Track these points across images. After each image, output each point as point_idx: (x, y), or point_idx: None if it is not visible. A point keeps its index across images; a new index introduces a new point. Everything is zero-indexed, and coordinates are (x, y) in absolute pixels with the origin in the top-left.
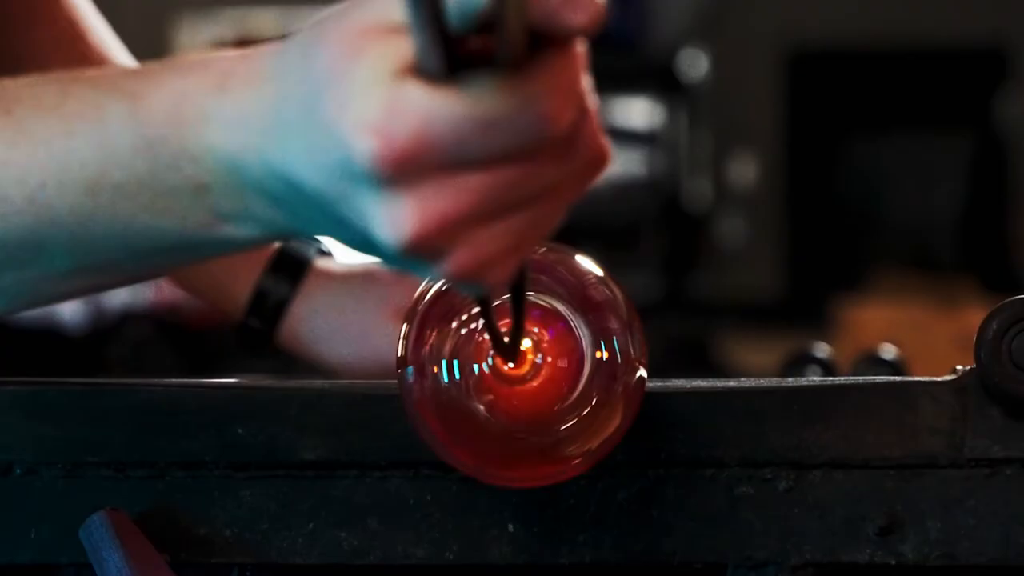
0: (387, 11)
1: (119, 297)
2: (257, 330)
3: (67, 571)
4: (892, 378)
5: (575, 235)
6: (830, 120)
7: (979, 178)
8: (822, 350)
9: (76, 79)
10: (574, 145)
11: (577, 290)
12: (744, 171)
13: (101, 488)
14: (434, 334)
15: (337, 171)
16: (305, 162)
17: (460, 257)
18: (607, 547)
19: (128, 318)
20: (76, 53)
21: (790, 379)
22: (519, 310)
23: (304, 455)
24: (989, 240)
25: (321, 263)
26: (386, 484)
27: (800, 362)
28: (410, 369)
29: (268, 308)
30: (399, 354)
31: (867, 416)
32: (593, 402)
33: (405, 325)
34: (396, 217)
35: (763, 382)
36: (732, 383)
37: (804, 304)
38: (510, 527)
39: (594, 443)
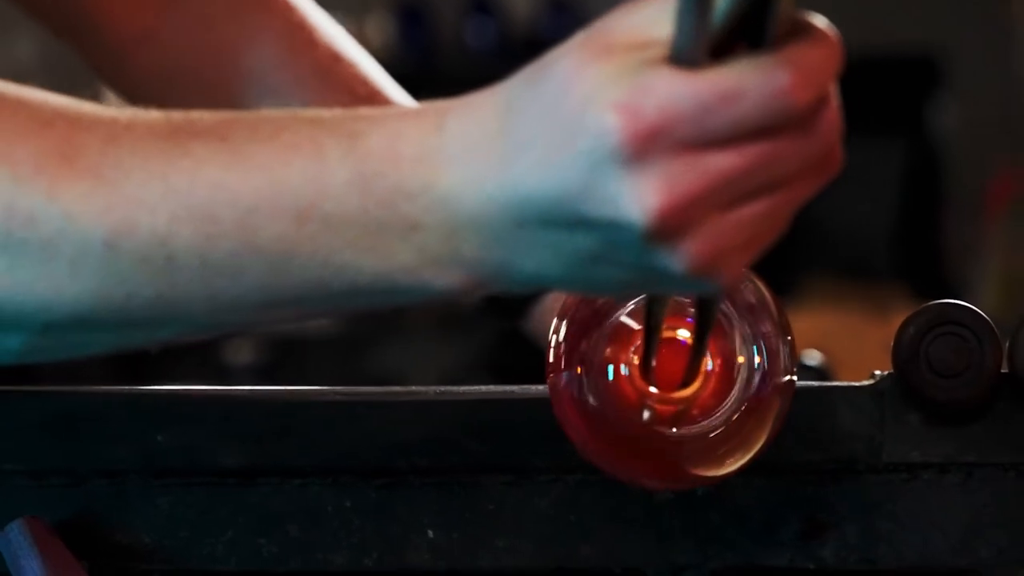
0: (622, 31)
1: None
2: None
3: None
4: (811, 383)
5: None
6: None
7: (912, 186)
8: None
9: (293, 117)
10: (812, 131)
11: (732, 293)
12: None
13: (19, 496)
14: (585, 339)
15: (580, 162)
16: (540, 171)
17: (700, 244)
18: (527, 553)
19: None
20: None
21: None
22: (706, 324)
23: (224, 462)
24: (921, 248)
25: None
26: (306, 491)
27: None
28: (565, 374)
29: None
30: (549, 359)
31: (786, 421)
32: (744, 408)
33: (553, 330)
34: (643, 193)
35: None
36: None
37: None
38: (430, 533)
39: (749, 449)
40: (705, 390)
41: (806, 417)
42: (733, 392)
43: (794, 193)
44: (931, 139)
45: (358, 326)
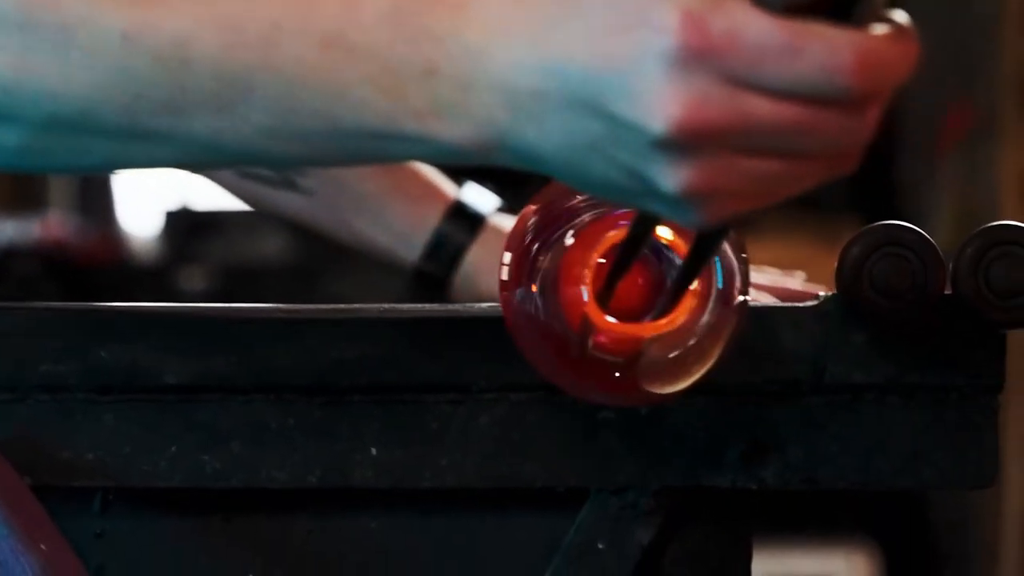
0: None
1: (3, 233)
2: (432, 276)
3: None
4: (754, 303)
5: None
6: None
7: None
8: None
9: None
10: (852, 120)
11: None
12: None
13: None
14: (541, 256)
15: (625, 51)
16: (581, 46)
17: (701, 173)
18: (470, 471)
19: (13, 254)
20: None
21: None
22: (701, 261)
23: (167, 379)
24: (875, 182)
25: (497, 218)
26: (249, 408)
27: None
28: (518, 291)
29: (445, 254)
30: (503, 276)
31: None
32: (698, 327)
33: (508, 245)
34: (672, 101)
35: None
36: None
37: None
38: (373, 451)
39: (703, 367)
40: (673, 323)
41: (750, 338)
42: (684, 313)
43: (808, 171)
44: None
45: (312, 256)
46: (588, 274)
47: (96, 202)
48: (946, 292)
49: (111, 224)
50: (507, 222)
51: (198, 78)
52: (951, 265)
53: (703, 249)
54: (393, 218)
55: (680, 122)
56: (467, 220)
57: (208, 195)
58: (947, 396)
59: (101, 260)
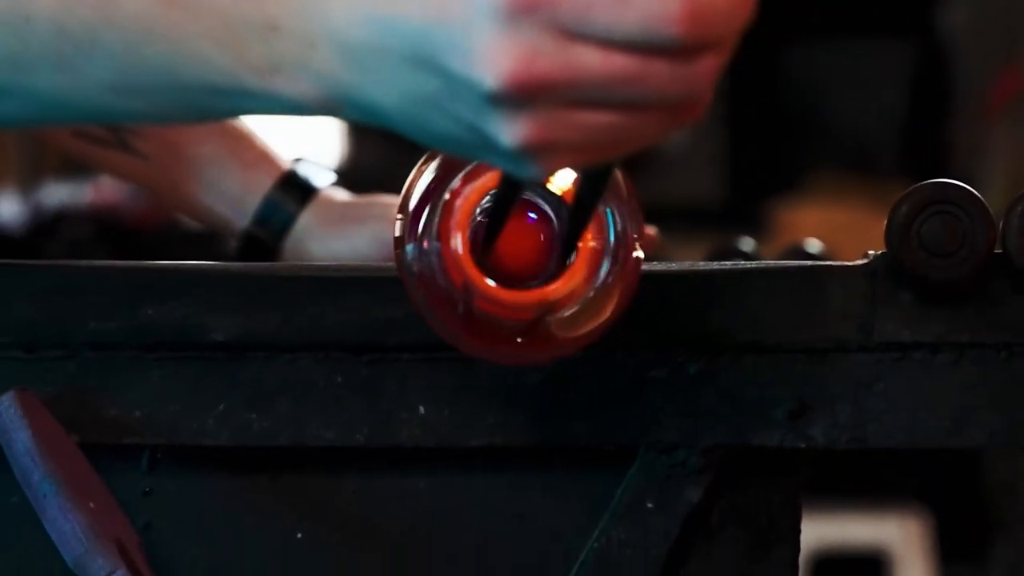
0: None
1: (56, 197)
2: (261, 241)
3: None
4: (803, 262)
5: None
6: (772, 25)
7: (920, 84)
8: (747, 244)
9: None
10: (684, 71)
11: None
12: None
13: (11, 369)
14: (429, 216)
15: (456, 4)
16: (415, 3)
17: (536, 126)
18: (517, 430)
19: (65, 217)
20: None
21: (701, 263)
22: (581, 220)
23: (214, 336)
24: (927, 146)
25: (327, 190)
26: (296, 366)
27: (724, 256)
28: (409, 247)
29: (275, 221)
30: (395, 232)
31: (778, 300)
32: (591, 287)
33: (402, 200)
34: (503, 56)
35: (674, 266)
36: (644, 267)
37: (743, 208)
38: (420, 409)
39: (592, 324)
40: (545, 267)
41: (799, 296)
42: (574, 270)
43: (645, 123)
44: (938, 38)
45: None
46: (464, 233)
47: None
48: (996, 251)
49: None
50: (340, 195)
51: (40, 35)
52: (1000, 224)
53: (583, 207)
54: (227, 184)
55: (511, 76)
56: (298, 190)
57: None
58: (996, 355)
59: (151, 223)
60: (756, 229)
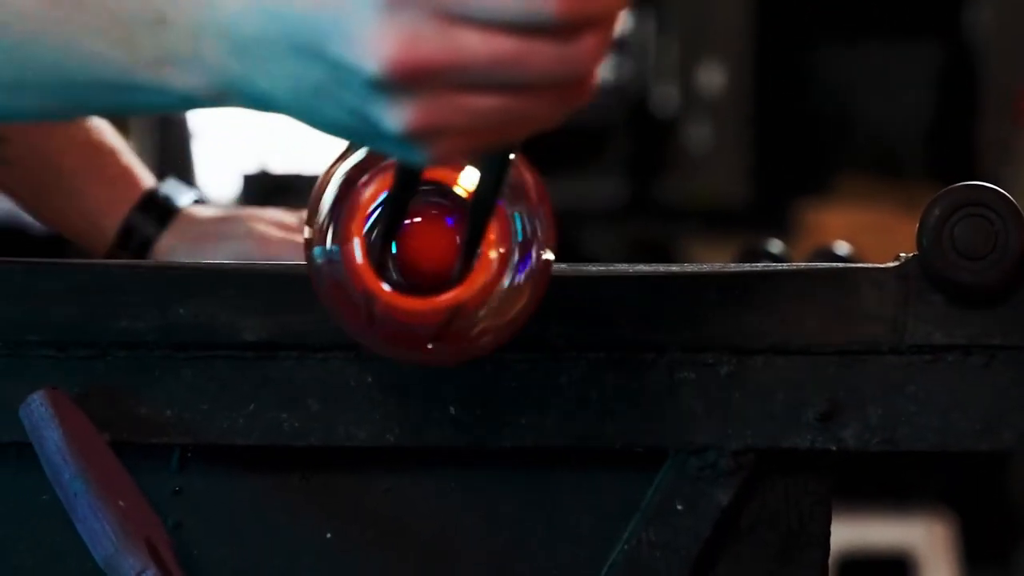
0: None
1: None
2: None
3: (7, 450)
4: (834, 264)
5: (541, 139)
6: (799, 27)
7: (948, 86)
8: (775, 246)
9: None
10: (566, 51)
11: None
12: (712, 77)
13: (42, 367)
14: (333, 216)
15: None
16: None
17: (422, 112)
18: (549, 431)
19: None
20: None
21: (732, 265)
22: (481, 217)
23: (245, 336)
24: (955, 148)
25: (190, 208)
26: (327, 365)
27: (753, 257)
28: (316, 249)
29: (134, 243)
30: (304, 235)
31: (809, 302)
32: (497, 291)
33: (312, 201)
34: (385, 41)
35: (705, 267)
36: (675, 268)
37: (769, 209)
38: (452, 410)
39: (500, 326)
40: (467, 290)
41: (830, 298)
42: (481, 271)
43: (533, 106)
44: (966, 40)
45: None
46: (361, 237)
47: (175, 165)
48: None
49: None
50: (205, 211)
51: None
52: None
53: (482, 203)
54: (88, 198)
55: (393, 61)
56: (159, 210)
57: (286, 158)
58: None
59: None
60: (783, 230)
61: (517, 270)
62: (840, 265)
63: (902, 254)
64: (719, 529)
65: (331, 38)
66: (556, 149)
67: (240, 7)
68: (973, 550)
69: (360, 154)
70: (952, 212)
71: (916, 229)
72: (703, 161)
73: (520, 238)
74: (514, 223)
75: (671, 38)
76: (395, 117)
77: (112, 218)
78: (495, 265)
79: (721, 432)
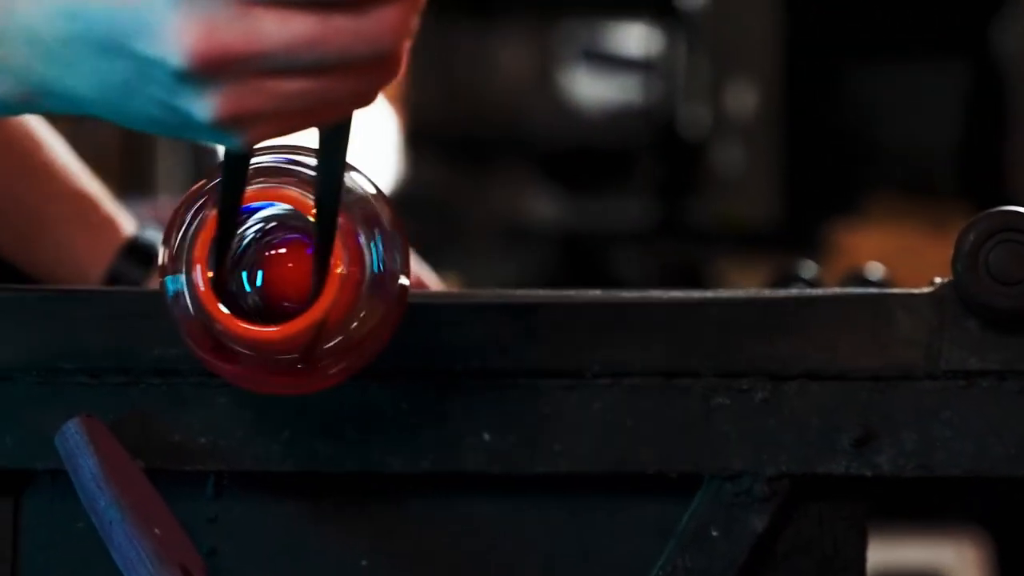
0: None
1: None
2: None
3: (42, 477)
4: (869, 290)
5: (571, 161)
6: (829, 47)
7: (977, 105)
8: (809, 269)
9: None
10: (364, 23)
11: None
12: (742, 98)
13: (76, 394)
14: (181, 242)
15: None
16: None
17: (229, 99)
18: (583, 456)
19: None
20: None
21: (767, 290)
22: (327, 236)
23: None
24: (986, 166)
25: None
26: (362, 392)
27: (786, 281)
28: (168, 278)
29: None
30: (159, 261)
31: (844, 328)
32: (349, 314)
33: (167, 227)
34: (184, 32)
35: (740, 293)
36: (709, 294)
37: (800, 230)
38: (486, 436)
39: (353, 355)
40: (299, 300)
41: (865, 324)
42: (326, 301)
43: (339, 86)
44: (995, 59)
45: (422, 240)
46: (203, 265)
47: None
48: None
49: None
50: None
51: None
52: None
53: (324, 212)
54: (73, 247)
55: (194, 52)
56: (142, 255)
57: None
58: None
59: None
60: (813, 251)
61: (371, 297)
62: (875, 291)
63: (937, 279)
64: (754, 555)
65: (133, 33)
66: (585, 171)
67: (42, 9)
68: (1006, 571)
69: (203, 180)
70: (987, 238)
71: (947, 250)
72: (733, 182)
73: (375, 260)
74: (369, 251)
75: (701, 59)
76: (202, 106)
77: (98, 267)
78: (349, 284)
79: (756, 458)
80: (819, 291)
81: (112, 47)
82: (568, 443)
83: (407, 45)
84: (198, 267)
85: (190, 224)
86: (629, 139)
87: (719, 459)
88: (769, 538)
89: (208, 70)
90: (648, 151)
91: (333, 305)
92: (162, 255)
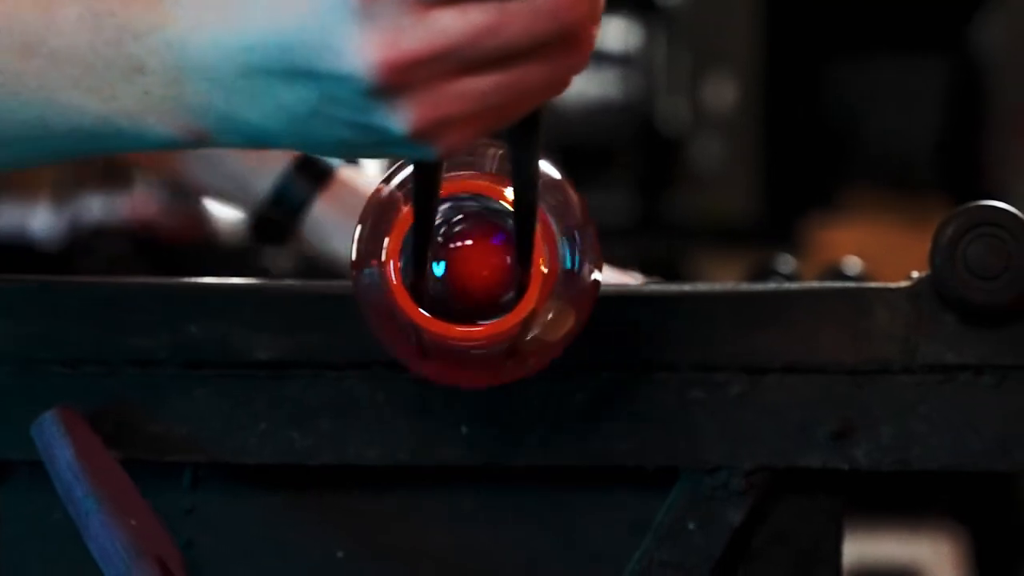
0: None
1: (92, 211)
2: (276, 222)
3: (20, 468)
4: (846, 284)
5: (550, 155)
6: (809, 42)
7: (956, 100)
8: (787, 264)
9: None
10: (546, 3)
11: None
12: (721, 93)
13: (53, 385)
14: (377, 238)
15: (307, 11)
16: (267, 17)
17: (422, 107)
18: (561, 450)
19: (102, 233)
20: None
21: (744, 284)
22: (528, 233)
23: (258, 354)
24: (964, 161)
25: (345, 173)
26: (340, 384)
27: (764, 275)
28: (365, 272)
29: (289, 202)
30: (352, 256)
31: (821, 321)
32: (544, 306)
33: (359, 220)
34: (368, 47)
35: (717, 287)
36: (686, 287)
37: (779, 225)
38: (464, 429)
39: (545, 350)
40: (500, 291)
41: (842, 317)
42: (528, 292)
43: (530, 74)
44: (974, 55)
45: None
46: (396, 261)
47: None
48: None
49: (199, 202)
50: (362, 180)
51: None
52: None
53: (521, 209)
54: (231, 163)
55: (381, 64)
56: (313, 170)
57: None
58: None
59: (188, 238)
60: (792, 246)
61: (566, 290)
62: (852, 285)
63: (914, 273)
64: (731, 548)
65: (315, 55)
66: (564, 166)
67: (217, 45)
68: (982, 565)
69: (404, 173)
70: (965, 232)
71: (925, 244)
72: (712, 177)
73: (568, 255)
74: (562, 245)
75: (680, 53)
76: (397, 119)
77: (262, 179)
78: (549, 279)
79: (733, 451)
80: (797, 285)
81: (294, 73)
82: (546, 436)
83: (594, 28)
84: (390, 264)
85: (383, 218)
86: (608, 134)
87: (696, 453)
88: (746, 531)
89: (398, 81)
90: (627, 146)
91: (538, 297)
92: (355, 248)
